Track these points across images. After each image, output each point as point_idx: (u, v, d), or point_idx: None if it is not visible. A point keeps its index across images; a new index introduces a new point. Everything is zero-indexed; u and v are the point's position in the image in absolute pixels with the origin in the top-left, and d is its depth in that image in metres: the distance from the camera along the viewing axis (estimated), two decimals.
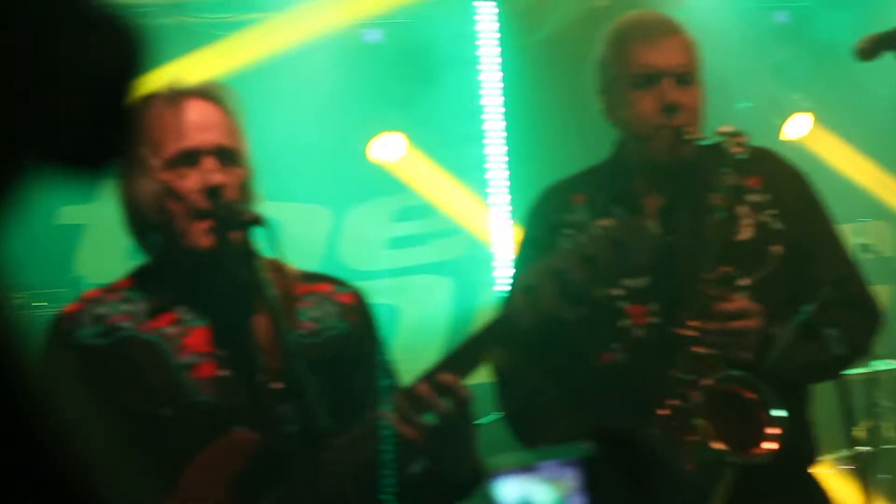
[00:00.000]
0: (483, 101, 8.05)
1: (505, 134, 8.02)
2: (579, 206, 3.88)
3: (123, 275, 3.41)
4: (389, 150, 7.99)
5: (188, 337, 3.25)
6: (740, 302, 3.68)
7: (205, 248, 3.19)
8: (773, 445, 3.60)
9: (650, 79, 3.80)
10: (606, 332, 3.79)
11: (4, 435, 0.94)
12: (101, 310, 3.31)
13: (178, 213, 3.20)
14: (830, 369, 3.85)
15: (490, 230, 7.95)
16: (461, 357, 3.19)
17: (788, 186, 3.91)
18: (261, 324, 3.26)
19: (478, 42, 8.01)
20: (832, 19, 7.82)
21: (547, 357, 3.86)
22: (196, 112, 3.26)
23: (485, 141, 8.08)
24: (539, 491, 1.59)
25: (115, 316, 3.30)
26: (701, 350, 3.65)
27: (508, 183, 8.01)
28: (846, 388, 4.01)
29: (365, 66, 7.93)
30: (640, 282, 3.79)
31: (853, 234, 6.07)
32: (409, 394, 3.15)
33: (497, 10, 8.02)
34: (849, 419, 4.15)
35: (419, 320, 7.90)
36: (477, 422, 3.19)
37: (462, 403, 3.14)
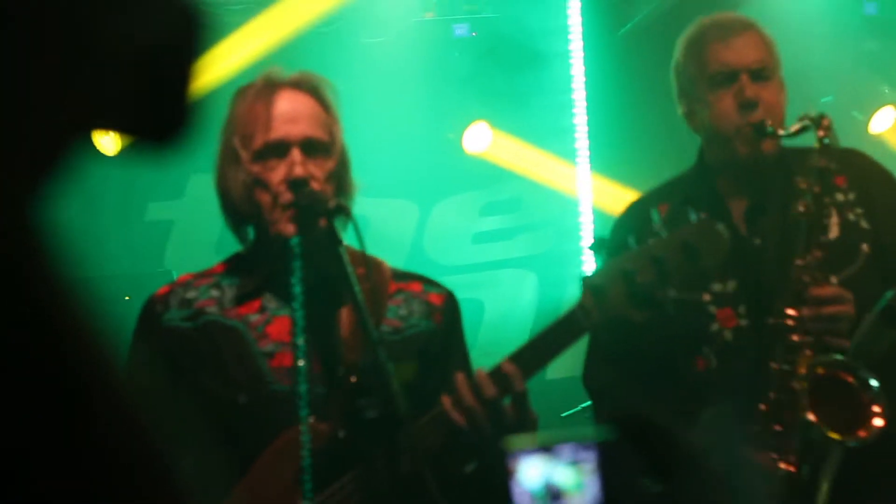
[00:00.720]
0: (572, 96, 8.03)
1: (587, 128, 8.00)
2: (663, 215, 3.87)
3: (218, 261, 3.47)
4: (477, 139, 7.99)
5: (271, 325, 3.29)
6: (834, 287, 3.67)
7: (288, 237, 3.23)
8: (880, 422, 3.59)
9: (727, 77, 3.80)
10: (696, 337, 3.79)
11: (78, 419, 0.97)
12: (190, 294, 3.38)
13: (266, 203, 3.24)
14: None
15: (577, 223, 7.94)
16: (526, 354, 3.21)
17: (875, 185, 3.89)
18: (344, 317, 3.29)
19: (567, 36, 8.00)
20: None
21: (635, 367, 3.87)
22: (287, 103, 3.30)
23: (575, 135, 8.06)
24: (560, 472, 1.60)
25: (203, 300, 3.36)
26: (797, 338, 3.65)
27: (594, 176, 7.99)
28: None
29: (454, 61, 7.94)
30: (728, 285, 3.78)
31: None
32: (471, 383, 3.17)
33: (582, 4, 8.00)
34: None
35: (504, 315, 7.90)
36: (536, 420, 3.19)
37: (517, 397, 3.15)
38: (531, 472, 1.56)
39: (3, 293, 0.98)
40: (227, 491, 3.22)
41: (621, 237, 3.90)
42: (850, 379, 3.62)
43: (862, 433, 3.59)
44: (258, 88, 3.33)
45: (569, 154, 8.02)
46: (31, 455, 0.94)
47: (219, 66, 6.19)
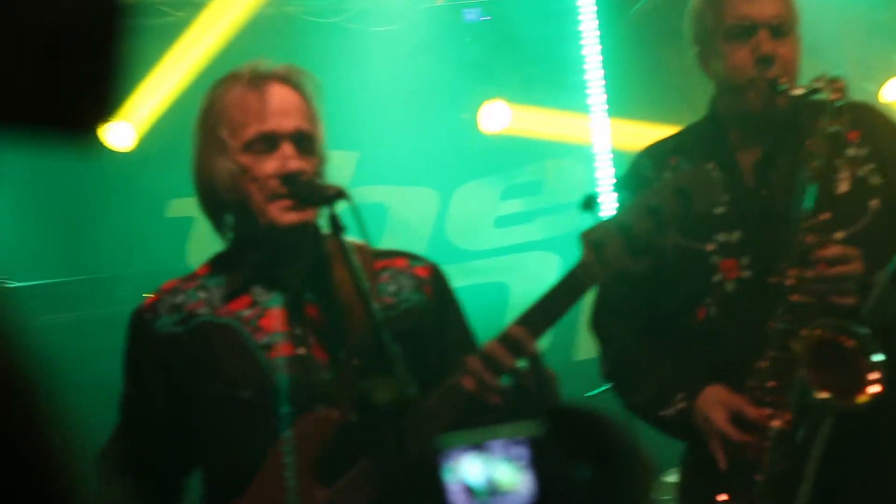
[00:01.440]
0: (585, 77, 8.02)
1: (606, 107, 7.98)
2: (673, 166, 3.88)
3: (201, 264, 3.47)
4: (494, 118, 7.97)
5: (264, 318, 3.29)
6: (840, 247, 3.66)
7: (286, 225, 3.23)
8: (876, 389, 3.59)
9: (746, 30, 3.79)
10: (699, 287, 3.81)
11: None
12: (178, 299, 3.37)
13: (255, 193, 3.24)
14: None
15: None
16: (533, 315, 3.21)
17: (887, 140, 3.88)
18: (341, 300, 3.29)
19: (578, 17, 7.98)
20: None
21: (639, 315, 3.90)
22: (277, 96, 3.30)
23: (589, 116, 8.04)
24: (501, 469, 1.59)
25: (192, 303, 3.36)
26: (800, 298, 3.65)
27: (611, 156, 7.97)
28: None
29: (466, 46, 7.93)
30: (732, 236, 3.80)
31: None
32: (482, 355, 3.17)
33: None
34: None
35: (529, 297, 7.83)
36: (553, 378, 3.21)
37: (532, 358, 3.16)
38: (472, 469, 1.55)
39: None
40: (242, 487, 3.23)
41: (634, 186, 3.90)
42: (851, 343, 3.61)
43: (858, 399, 3.59)
44: (247, 80, 3.32)
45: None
46: None
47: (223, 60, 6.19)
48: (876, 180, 3.81)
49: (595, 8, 7.88)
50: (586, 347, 6.73)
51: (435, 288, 3.46)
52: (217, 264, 3.44)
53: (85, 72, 1.09)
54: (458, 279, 7.79)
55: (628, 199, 3.21)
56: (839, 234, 3.71)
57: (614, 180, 7.65)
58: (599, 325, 4.03)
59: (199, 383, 3.30)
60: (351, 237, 3.16)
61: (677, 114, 4.13)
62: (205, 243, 7.67)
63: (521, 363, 3.17)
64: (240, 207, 3.29)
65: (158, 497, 3.43)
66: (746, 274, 3.78)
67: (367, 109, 7.62)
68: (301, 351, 3.27)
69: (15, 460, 1.00)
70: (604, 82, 7.92)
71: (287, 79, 3.34)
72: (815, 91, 3.70)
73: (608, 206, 7.21)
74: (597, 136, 7.90)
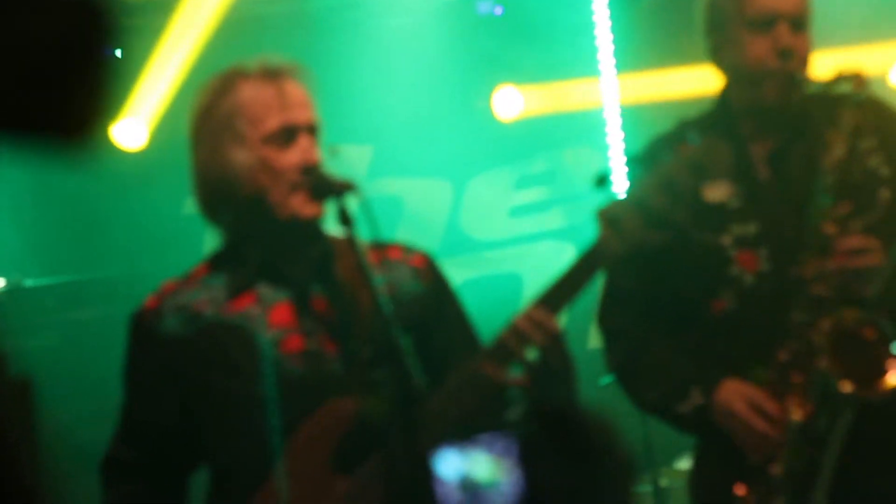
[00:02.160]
0: (599, 67, 8.01)
1: (619, 98, 7.97)
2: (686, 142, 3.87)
3: (198, 264, 3.47)
4: (508, 105, 7.96)
5: (272, 313, 3.30)
6: (861, 238, 3.66)
7: (307, 217, 3.25)
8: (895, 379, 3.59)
9: (766, 21, 3.77)
10: (714, 280, 3.80)
11: None
12: (181, 300, 3.37)
13: (275, 186, 3.25)
14: None
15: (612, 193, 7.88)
16: (552, 294, 3.22)
17: (894, 130, 3.87)
18: (346, 292, 3.31)
19: (591, 7, 7.97)
20: None
21: (650, 309, 3.89)
22: (293, 90, 3.32)
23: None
24: (479, 465, 1.60)
25: (196, 304, 3.35)
26: (819, 290, 3.65)
27: (624, 146, 7.97)
28: None
29: (479, 38, 7.93)
30: (748, 228, 3.79)
31: None
32: (504, 336, 3.17)
33: None
34: None
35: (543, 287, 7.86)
36: (573, 360, 3.22)
37: (554, 338, 3.16)
38: (450, 464, 1.56)
39: None
40: (255, 482, 3.23)
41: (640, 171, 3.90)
42: (871, 334, 3.61)
43: (879, 389, 3.59)
44: (260, 74, 3.34)
45: (597, 127, 8.01)
46: None
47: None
48: (885, 171, 3.81)
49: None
50: (597, 336, 6.71)
51: (432, 277, 3.47)
52: (216, 263, 3.43)
53: (83, 76, 1.09)
54: (473, 270, 7.85)
55: (643, 176, 3.21)
56: (854, 227, 3.71)
57: (627, 160, 7.64)
58: (607, 318, 4.00)
59: (210, 382, 3.30)
60: (358, 232, 3.18)
61: (688, 108, 4.10)
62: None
63: (537, 349, 3.18)
64: (253, 201, 3.29)
65: (166, 499, 3.44)
66: (766, 267, 3.77)
67: (380, 103, 7.63)
68: (311, 344, 3.28)
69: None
70: (616, 72, 7.91)
71: (295, 73, 3.37)
72: (835, 83, 3.70)
73: (621, 185, 7.19)
74: (608, 97, 7.90)
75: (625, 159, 7.81)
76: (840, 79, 3.70)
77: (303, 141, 3.28)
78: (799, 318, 3.66)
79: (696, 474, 4.01)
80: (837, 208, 3.67)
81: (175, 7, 7.39)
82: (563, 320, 3.28)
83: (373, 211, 3.09)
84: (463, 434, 3.09)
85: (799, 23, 3.79)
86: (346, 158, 3.42)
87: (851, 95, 3.69)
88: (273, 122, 3.28)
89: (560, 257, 7.95)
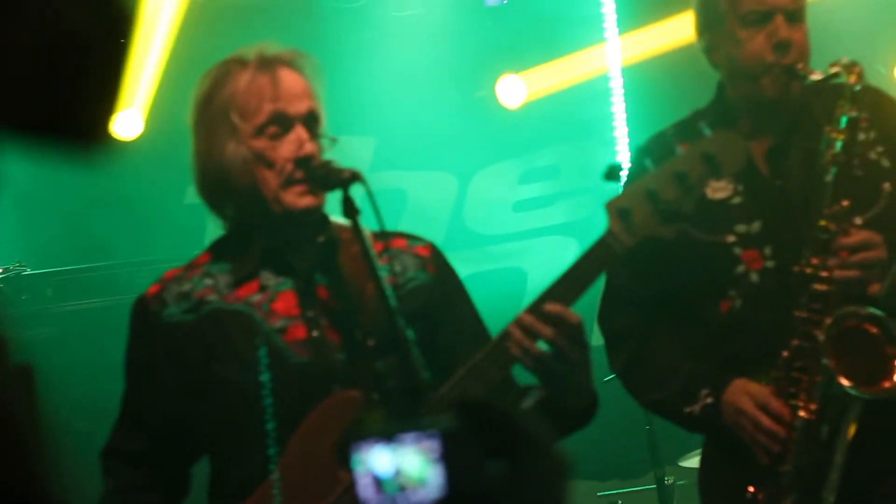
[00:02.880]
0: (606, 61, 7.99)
1: (623, 91, 7.95)
2: (698, 132, 3.84)
3: (201, 251, 3.44)
4: (512, 93, 7.94)
5: (276, 302, 3.28)
6: (863, 234, 3.63)
7: (302, 209, 3.22)
8: None
9: (762, 16, 3.75)
10: (721, 279, 3.77)
11: None
12: (184, 287, 3.34)
13: (269, 178, 3.22)
14: None
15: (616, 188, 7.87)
16: (563, 286, 3.18)
17: (894, 122, 3.84)
18: (349, 281, 3.28)
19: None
20: None
21: (654, 309, 3.86)
22: (288, 80, 3.29)
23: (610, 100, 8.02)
24: (409, 461, 1.56)
25: (200, 291, 3.33)
26: (822, 287, 3.62)
27: (629, 140, 7.95)
28: None
29: (486, 30, 7.92)
30: (752, 226, 3.76)
31: None
32: (521, 326, 3.14)
33: None
34: None
35: (546, 283, 7.84)
36: (589, 349, 3.19)
37: (573, 329, 3.13)
38: (379, 460, 1.53)
39: None
40: (266, 471, 3.21)
41: (640, 164, 3.87)
42: (876, 331, 3.59)
43: (883, 386, 3.57)
44: (255, 64, 3.31)
45: (605, 116, 7.99)
46: None
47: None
48: (886, 163, 3.78)
49: None
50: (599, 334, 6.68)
51: (437, 266, 3.45)
52: (218, 251, 3.41)
53: (84, 73, 1.06)
54: (477, 264, 7.81)
55: (654, 166, 3.17)
56: (858, 220, 3.68)
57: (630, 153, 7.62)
58: (609, 318, 3.97)
59: (215, 370, 3.28)
60: (361, 220, 3.15)
61: (697, 100, 4.07)
62: (223, 229, 7.69)
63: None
64: (249, 194, 3.26)
65: (169, 488, 3.42)
66: (770, 264, 3.75)
67: (385, 95, 7.61)
68: (315, 333, 3.25)
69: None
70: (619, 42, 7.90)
71: (293, 63, 3.33)
72: (833, 76, 3.67)
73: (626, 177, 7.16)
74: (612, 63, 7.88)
75: (629, 154, 7.78)
76: (836, 71, 3.67)
77: (298, 131, 3.24)
78: (802, 315, 3.64)
79: (704, 473, 3.99)
80: (838, 204, 3.64)
81: None
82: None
83: (376, 201, 3.06)
84: None
85: (795, 15, 3.77)
86: (348, 150, 3.38)
87: (849, 87, 3.66)
88: (265, 111, 3.24)
89: (564, 252, 7.93)
